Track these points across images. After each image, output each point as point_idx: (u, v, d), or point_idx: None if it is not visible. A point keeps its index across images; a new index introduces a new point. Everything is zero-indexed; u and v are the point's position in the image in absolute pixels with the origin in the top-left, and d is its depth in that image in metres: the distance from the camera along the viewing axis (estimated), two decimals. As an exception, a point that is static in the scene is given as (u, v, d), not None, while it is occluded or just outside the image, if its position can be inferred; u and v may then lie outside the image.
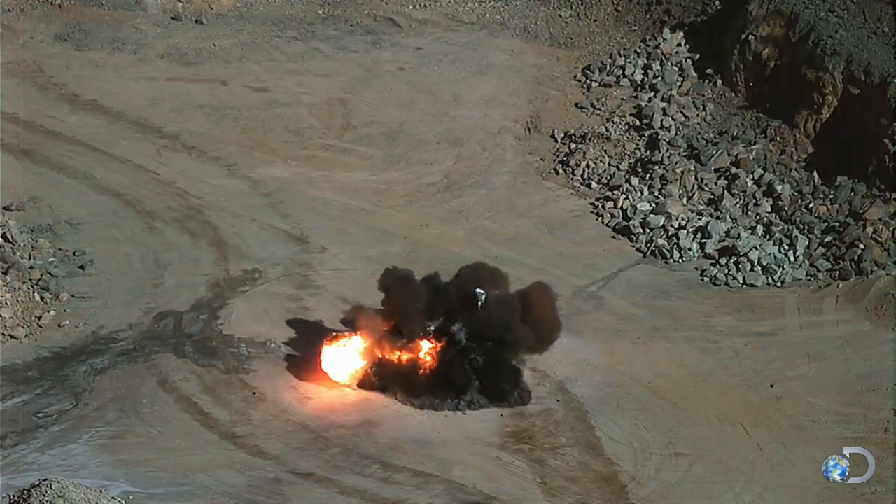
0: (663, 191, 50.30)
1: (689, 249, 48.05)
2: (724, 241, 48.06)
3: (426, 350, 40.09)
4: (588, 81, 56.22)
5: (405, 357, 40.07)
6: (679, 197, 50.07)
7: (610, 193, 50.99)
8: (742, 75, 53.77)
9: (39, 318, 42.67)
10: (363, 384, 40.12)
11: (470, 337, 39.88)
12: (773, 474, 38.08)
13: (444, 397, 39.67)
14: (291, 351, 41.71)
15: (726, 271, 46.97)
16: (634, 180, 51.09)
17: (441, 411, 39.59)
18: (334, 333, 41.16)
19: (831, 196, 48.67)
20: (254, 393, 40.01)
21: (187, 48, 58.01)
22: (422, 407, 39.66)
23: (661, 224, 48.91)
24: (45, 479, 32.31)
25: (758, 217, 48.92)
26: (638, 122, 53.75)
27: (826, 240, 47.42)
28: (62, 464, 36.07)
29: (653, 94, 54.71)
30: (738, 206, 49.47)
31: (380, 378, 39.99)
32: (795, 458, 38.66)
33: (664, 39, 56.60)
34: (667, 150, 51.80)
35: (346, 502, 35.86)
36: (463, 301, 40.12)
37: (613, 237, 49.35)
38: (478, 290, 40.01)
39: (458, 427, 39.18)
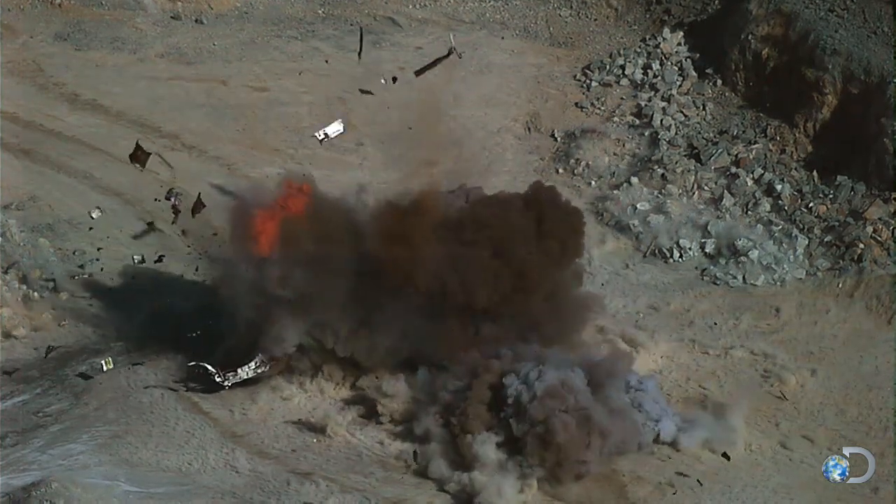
0: (664, 190, 50.31)
1: (689, 249, 48.05)
2: (724, 240, 48.06)
3: None
4: (588, 81, 56.23)
5: None
6: (679, 196, 50.09)
7: (610, 192, 51.02)
8: (742, 75, 53.77)
9: (39, 317, 42.66)
10: None
11: None
12: (773, 474, 38.06)
13: None
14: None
15: (726, 270, 46.96)
16: (634, 179, 51.10)
17: None
18: None
19: (831, 196, 48.67)
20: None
21: (187, 48, 58.00)
22: None
23: (661, 223, 48.91)
24: (46, 479, 32.38)
25: (758, 216, 48.92)
26: (638, 122, 53.77)
27: (826, 239, 47.43)
28: (62, 463, 36.06)
29: (653, 93, 54.73)
30: (738, 205, 49.48)
31: None
32: (795, 458, 38.64)
33: (664, 39, 56.60)
34: (667, 150, 51.82)
35: (346, 501, 35.84)
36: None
37: (613, 237, 49.33)
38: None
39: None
